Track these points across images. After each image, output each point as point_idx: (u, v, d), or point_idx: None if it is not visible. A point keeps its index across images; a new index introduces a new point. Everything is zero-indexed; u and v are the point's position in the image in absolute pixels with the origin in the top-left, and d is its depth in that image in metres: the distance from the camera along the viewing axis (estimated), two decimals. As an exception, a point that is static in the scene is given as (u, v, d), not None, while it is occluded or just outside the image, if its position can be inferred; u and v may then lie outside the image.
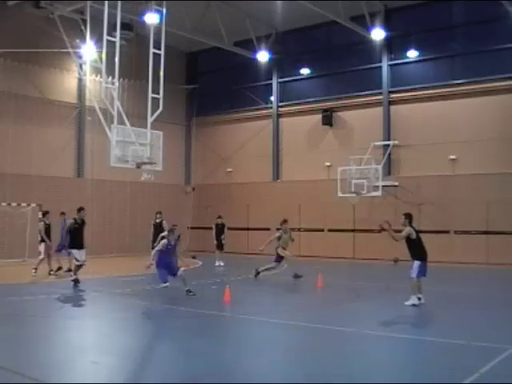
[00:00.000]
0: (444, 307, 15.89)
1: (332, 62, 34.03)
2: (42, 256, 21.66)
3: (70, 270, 20.46)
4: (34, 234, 27.14)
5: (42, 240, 21.82)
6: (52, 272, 21.86)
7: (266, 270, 21.54)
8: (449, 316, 14.45)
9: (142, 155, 19.30)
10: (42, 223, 22.31)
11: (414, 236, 15.54)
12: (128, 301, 16.66)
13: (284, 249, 21.75)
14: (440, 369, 9.37)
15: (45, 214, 22.95)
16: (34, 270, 21.10)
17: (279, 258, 21.73)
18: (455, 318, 14.08)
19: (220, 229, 27.62)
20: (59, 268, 22.15)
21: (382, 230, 16.29)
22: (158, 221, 25.87)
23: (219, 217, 28.30)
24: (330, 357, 10.26)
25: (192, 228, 36.46)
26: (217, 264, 26.78)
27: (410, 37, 31.36)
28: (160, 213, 26.12)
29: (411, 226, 15.79)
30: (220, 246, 27.51)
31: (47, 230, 22.14)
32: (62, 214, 23.63)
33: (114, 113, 19.30)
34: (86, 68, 29.17)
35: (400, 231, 15.86)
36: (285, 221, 22.41)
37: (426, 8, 30.28)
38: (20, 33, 29.08)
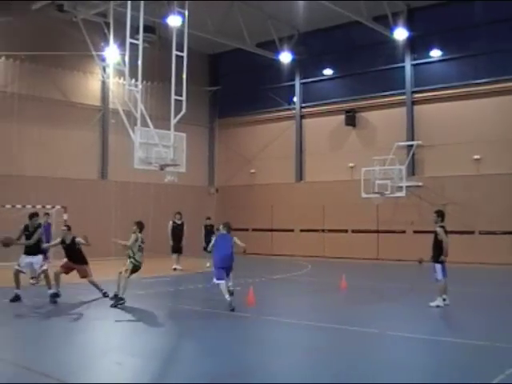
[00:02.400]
0: (469, 308, 15.80)
1: (355, 62, 33.92)
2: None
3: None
4: (58, 236, 27.35)
5: None
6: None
7: None
8: (474, 317, 14.34)
9: (165, 157, 19.34)
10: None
11: (440, 237, 15.42)
12: (151, 302, 16.72)
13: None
14: (464, 370, 9.32)
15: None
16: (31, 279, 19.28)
17: None
18: (480, 319, 13.98)
19: (210, 230, 26.67)
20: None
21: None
22: (179, 222, 25.83)
23: (208, 218, 27.66)
24: (355, 357, 10.21)
25: (217, 229, 36.43)
26: (208, 265, 24.56)
27: (433, 36, 31.14)
28: (180, 213, 26.01)
29: (442, 225, 15.62)
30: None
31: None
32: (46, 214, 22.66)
33: (138, 115, 19.37)
34: (110, 71, 29.31)
35: (432, 232, 15.70)
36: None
37: (448, 7, 30.09)
38: (44, 36, 29.33)
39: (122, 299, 15.75)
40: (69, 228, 17.26)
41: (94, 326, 13.25)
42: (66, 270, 16.90)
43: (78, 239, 16.79)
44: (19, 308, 15.59)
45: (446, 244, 15.33)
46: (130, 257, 16.13)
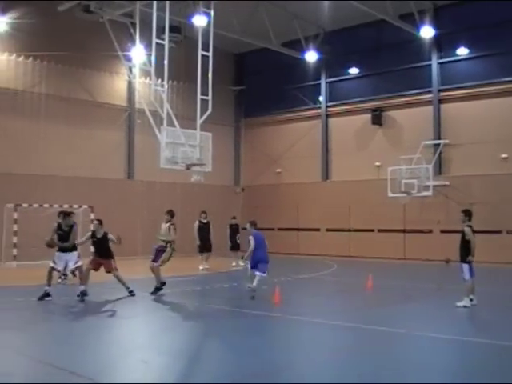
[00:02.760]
0: (496, 309, 15.63)
1: (381, 60, 33.70)
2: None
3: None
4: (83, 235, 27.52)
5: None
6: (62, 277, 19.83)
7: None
8: (501, 317, 14.19)
9: (191, 156, 19.40)
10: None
11: (468, 237, 15.28)
12: (178, 301, 16.78)
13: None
14: (492, 371, 9.24)
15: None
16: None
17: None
18: (508, 320, 13.85)
19: (235, 229, 27.45)
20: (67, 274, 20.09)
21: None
22: (204, 221, 25.90)
23: (234, 217, 28.26)
24: (382, 358, 10.16)
25: (242, 229, 36.52)
26: (233, 264, 26.55)
27: (460, 34, 30.79)
28: (205, 212, 26.09)
29: (470, 224, 15.48)
30: (236, 247, 27.32)
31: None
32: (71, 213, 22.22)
33: (164, 115, 19.47)
34: (136, 71, 29.43)
35: (459, 231, 15.58)
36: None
37: (475, 4, 29.67)
38: (70, 37, 29.55)
39: (163, 284, 17.47)
40: (100, 222, 17.45)
41: (121, 325, 13.33)
42: (95, 266, 17.07)
43: (111, 236, 17.06)
44: (46, 306, 15.73)
45: (473, 244, 15.20)
46: (170, 244, 17.55)
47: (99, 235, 17.04)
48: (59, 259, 16.67)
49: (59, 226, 16.87)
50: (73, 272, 19.92)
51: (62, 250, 16.67)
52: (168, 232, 17.70)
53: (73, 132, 30.50)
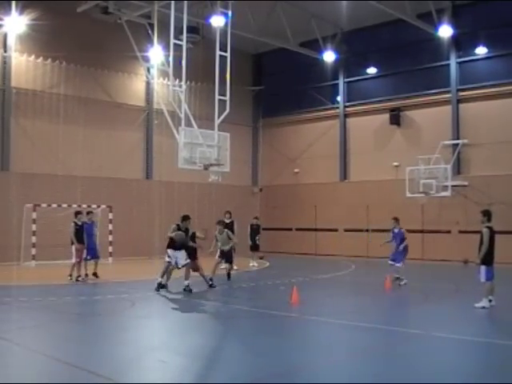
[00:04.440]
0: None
1: (399, 60, 33.57)
2: (73, 260, 20.56)
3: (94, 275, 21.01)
4: (103, 235, 27.69)
5: (72, 242, 20.54)
6: (80, 278, 20.62)
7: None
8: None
9: (209, 157, 19.46)
10: (73, 224, 20.72)
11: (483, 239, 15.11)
12: (196, 301, 16.81)
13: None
14: (509, 372, 9.18)
15: (77, 214, 21.18)
16: (69, 277, 20.44)
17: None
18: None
19: (255, 230, 27.49)
20: (86, 275, 21.10)
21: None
22: (227, 221, 25.94)
23: (256, 218, 28.49)
24: (398, 358, 10.15)
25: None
26: (251, 264, 26.76)
27: (478, 33, 30.55)
28: (229, 212, 26.16)
29: (489, 225, 15.25)
30: (255, 247, 27.39)
31: (78, 231, 20.57)
32: (89, 213, 22.34)
33: (182, 115, 19.55)
34: (154, 71, 29.55)
35: (478, 232, 15.44)
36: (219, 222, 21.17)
37: (493, 3, 29.45)
38: (88, 38, 29.73)
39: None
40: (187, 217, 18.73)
41: (138, 324, 13.36)
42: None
43: (198, 233, 18.78)
44: (64, 305, 15.84)
45: (484, 247, 15.00)
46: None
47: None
48: (172, 255, 18.10)
49: (178, 228, 18.23)
50: (94, 273, 20.52)
51: (174, 247, 18.13)
52: (228, 239, 20.02)
53: (91, 132, 30.64)
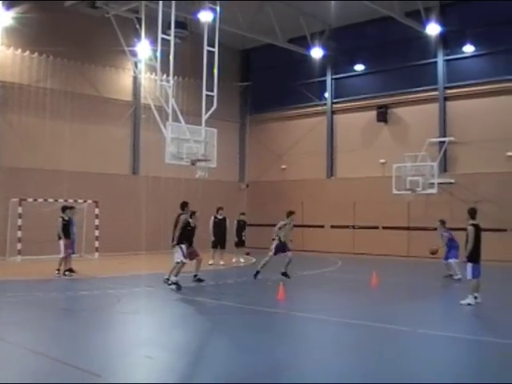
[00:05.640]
0: (500, 307, 15.62)
1: (387, 57, 33.63)
2: (61, 254, 20.54)
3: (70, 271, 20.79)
4: (90, 230, 27.61)
5: (60, 237, 20.58)
6: (67, 273, 20.63)
7: (264, 265, 20.38)
8: (505, 316, 14.17)
9: (196, 152, 19.44)
10: (61, 219, 20.80)
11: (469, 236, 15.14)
12: (183, 297, 16.77)
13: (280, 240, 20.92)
14: (494, 370, 9.22)
15: (64, 209, 21.28)
16: (56, 271, 20.41)
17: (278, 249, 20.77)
18: (511, 318, 13.84)
19: (242, 226, 27.44)
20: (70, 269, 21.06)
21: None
22: (220, 217, 25.94)
23: (242, 213, 28.46)
24: (386, 356, 10.13)
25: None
26: (234, 260, 26.79)
27: (466, 31, 30.62)
28: (222, 208, 26.14)
29: (474, 223, 15.24)
30: (240, 243, 27.27)
31: (65, 226, 20.71)
32: (71, 208, 22.10)
33: (169, 110, 19.50)
34: (141, 66, 29.46)
35: (463, 229, 15.48)
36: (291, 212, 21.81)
37: (481, 2, 29.56)
38: (76, 32, 29.56)
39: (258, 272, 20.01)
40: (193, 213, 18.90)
41: (127, 320, 13.32)
42: (190, 256, 18.43)
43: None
44: (51, 301, 15.77)
45: (469, 245, 15.02)
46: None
47: (193, 225, 18.55)
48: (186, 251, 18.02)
49: (188, 223, 18.19)
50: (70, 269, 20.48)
51: (189, 242, 18.28)
52: (279, 230, 21.02)
53: (78, 127, 30.50)
